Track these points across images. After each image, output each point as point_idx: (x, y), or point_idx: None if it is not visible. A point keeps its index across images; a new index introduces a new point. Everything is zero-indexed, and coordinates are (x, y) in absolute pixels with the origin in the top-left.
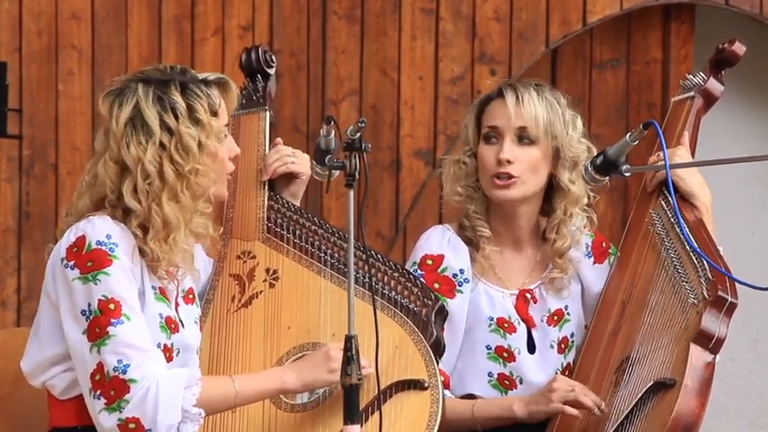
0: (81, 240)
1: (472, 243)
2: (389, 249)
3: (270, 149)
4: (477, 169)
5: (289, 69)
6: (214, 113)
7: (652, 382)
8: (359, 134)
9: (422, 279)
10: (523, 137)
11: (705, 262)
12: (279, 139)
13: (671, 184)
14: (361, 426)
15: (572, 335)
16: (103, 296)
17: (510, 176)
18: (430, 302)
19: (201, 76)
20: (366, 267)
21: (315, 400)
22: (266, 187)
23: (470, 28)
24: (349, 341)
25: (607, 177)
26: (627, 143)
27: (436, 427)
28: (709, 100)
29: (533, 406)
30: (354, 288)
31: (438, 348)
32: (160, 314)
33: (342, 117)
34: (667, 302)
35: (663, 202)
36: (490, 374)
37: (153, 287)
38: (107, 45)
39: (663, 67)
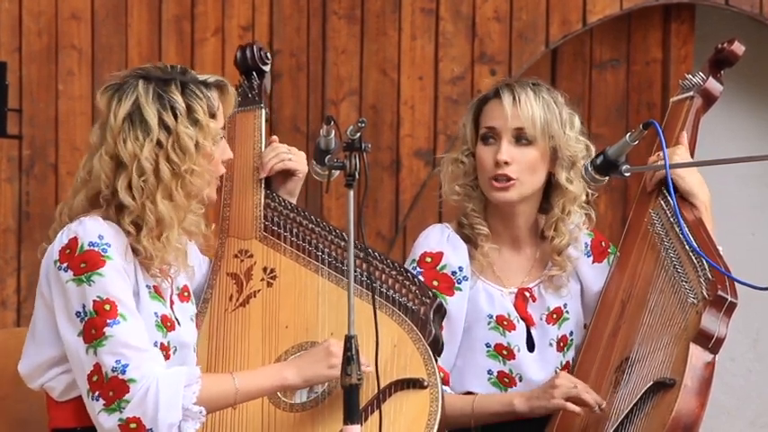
0: (73, 242)
1: (471, 241)
2: (389, 249)
3: (266, 147)
4: (475, 168)
5: (289, 69)
6: (212, 115)
7: (652, 382)
8: (359, 134)
9: (420, 277)
10: (521, 137)
11: (705, 262)
12: (275, 137)
13: (670, 184)
14: (361, 425)
15: (571, 333)
16: (98, 297)
17: (508, 178)
18: (428, 301)
19: (201, 77)
20: (364, 266)
21: (314, 399)
22: (263, 185)
23: (470, 28)
24: (349, 341)
25: (607, 177)
26: (627, 143)
27: (436, 426)
28: (709, 100)
29: (535, 401)
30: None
31: (437, 347)
32: (155, 313)
33: (342, 117)
34: (667, 302)
35: (662, 202)
36: (490, 372)
37: (147, 286)
38: (107, 45)
39: (663, 67)
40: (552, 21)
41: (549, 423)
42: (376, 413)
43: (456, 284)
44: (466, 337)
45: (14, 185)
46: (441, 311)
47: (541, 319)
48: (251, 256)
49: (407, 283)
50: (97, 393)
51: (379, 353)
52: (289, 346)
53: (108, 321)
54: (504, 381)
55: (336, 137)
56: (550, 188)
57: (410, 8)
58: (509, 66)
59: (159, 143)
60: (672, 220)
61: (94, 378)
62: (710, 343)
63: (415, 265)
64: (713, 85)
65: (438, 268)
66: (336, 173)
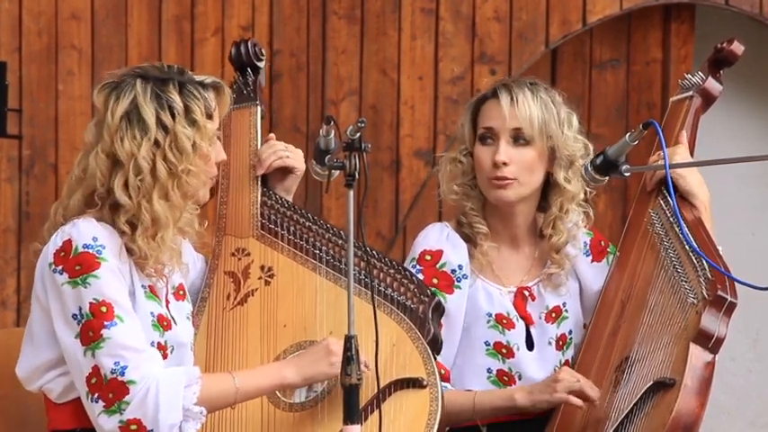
0: (67, 244)
1: (470, 240)
2: (389, 249)
3: (263, 144)
4: (473, 168)
5: (289, 69)
6: (209, 116)
7: (652, 382)
8: (359, 134)
9: (418, 275)
10: (519, 137)
11: (704, 261)
12: (272, 135)
13: (670, 184)
14: (361, 425)
15: (570, 332)
16: (94, 299)
17: (507, 179)
18: (426, 299)
19: (198, 78)
20: (362, 264)
21: (313, 399)
22: (259, 183)
23: (470, 28)
24: (349, 341)
25: (607, 177)
26: (626, 143)
27: (436, 426)
28: (708, 99)
29: (537, 395)
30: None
31: (436, 345)
32: (152, 313)
33: (342, 117)
34: (667, 302)
35: (662, 202)
36: (489, 371)
37: (143, 286)
38: (107, 45)
39: (663, 67)
40: (552, 21)
41: (548, 422)
42: (376, 413)
43: (455, 283)
44: (465, 336)
45: (14, 185)
46: (439, 310)
47: (540, 317)
48: (248, 254)
49: (406, 281)
50: (96, 395)
51: (378, 352)
52: (287, 344)
53: (105, 323)
54: (504, 379)
55: (336, 137)
56: (549, 187)
57: (410, 8)
58: (509, 66)
59: (157, 143)
60: (671, 219)
61: (93, 380)
62: (710, 343)
63: (414, 263)
64: (712, 84)
65: (438, 266)
66: (336, 173)
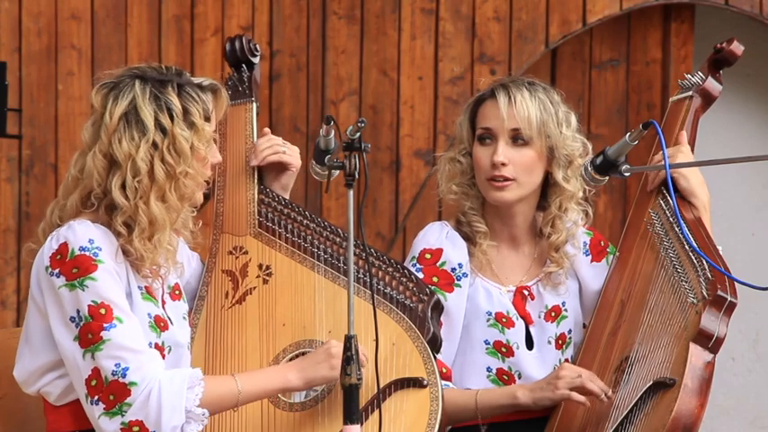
0: (63, 247)
1: (469, 239)
2: (389, 249)
3: (258, 139)
4: (471, 167)
5: (288, 69)
6: (207, 119)
7: (652, 382)
8: (358, 134)
9: (418, 274)
10: (517, 138)
11: (705, 261)
12: (266, 129)
13: (670, 184)
14: (361, 425)
15: (570, 331)
16: (93, 301)
17: (506, 179)
18: (426, 298)
19: (196, 80)
20: (360, 263)
21: (313, 398)
22: (256, 180)
23: (470, 28)
24: (348, 341)
25: (607, 177)
26: (626, 143)
27: (437, 426)
28: (708, 99)
29: (538, 393)
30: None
31: (435, 344)
32: (149, 314)
33: (341, 117)
34: (666, 302)
35: (662, 202)
36: (489, 369)
37: (139, 287)
38: (107, 45)
39: (663, 67)
40: (552, 21)
41: (549, 421)
42: (376, 413)
43: (455, 281)
44: (465, 335)
45: (14, 185)
46: (438, 308)
47: (540, 316)
48: (246, 252)
49: (405, 280)
50: (96, 398)
51: (377, 352)
52: (287, 343)
53: (104, 325)
54: (504, 378)
55: (336, 137)
56: (548, 186)
57: (410, 8)
58: (509, 66)
59: (155, 144)
60: (671, 219)
61: (93, 382)
62: (710, 343)
63: (414, 261)
64: (712, 84)
65: (438, 265)
66: (336, 173)
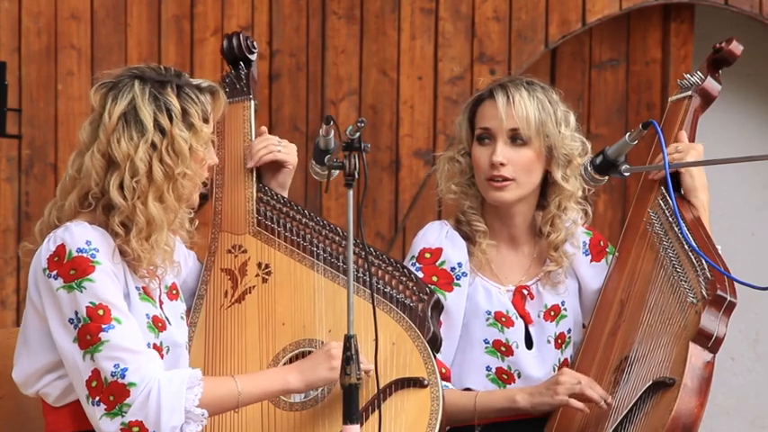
0: (61, 249)
1: (469, 238)
2: (389, 249)
3: (255, 138)
4: (471, 167)
5: (288, 69)
6: (205, 120)
7: (651, 382)
8: (358, 134)
9: (418, 273)
10: (516, 138)
11: (704, 261)
12: (263, 128)
13: (670, 184)
14: (361, 425)
15: (569, 330)
16: (91, 303)
17: (505, 179)
18: (425, 297)
19: (194, 81)
20: (360, 262)
21: (313, 398)
22: (254, 178)
23: (470, 28)
24: (348, 341)
25: (606, 177)
26: (626, 143)
27: (437, 426)
28: (707, 99)
29: (538, 398)
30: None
31: (435, 344)
32: (147, 314)
33: (341, 117)
34: (666, 302)
35: (661, 202)
36: (488, 368)
37: (137, 288)
38: (106, 45)
39: (662, 67)
40: (551, 21)
41: (548, 422)
42: (376, 413)
43: (455, 280)
44: (464, 334)
45: (14, 185)
46: (438, 307)
47: (539, 316)
48: (245, 251)
49: (404, 279)
50: (97, 399)
51: (378, 352)
52: (286, 343)
53: (103, 326)
54: (503, 377)
55: (336, 137)
56: (547, 186)
57: (409, 8)
58: (508, 66)
59: (153, 144)
60: (671, 219)
61: (93, 384)
62: (710, 342)
63: (414, 261)
64: (711, 84)
65: (437, 264)
66: (336, 173)
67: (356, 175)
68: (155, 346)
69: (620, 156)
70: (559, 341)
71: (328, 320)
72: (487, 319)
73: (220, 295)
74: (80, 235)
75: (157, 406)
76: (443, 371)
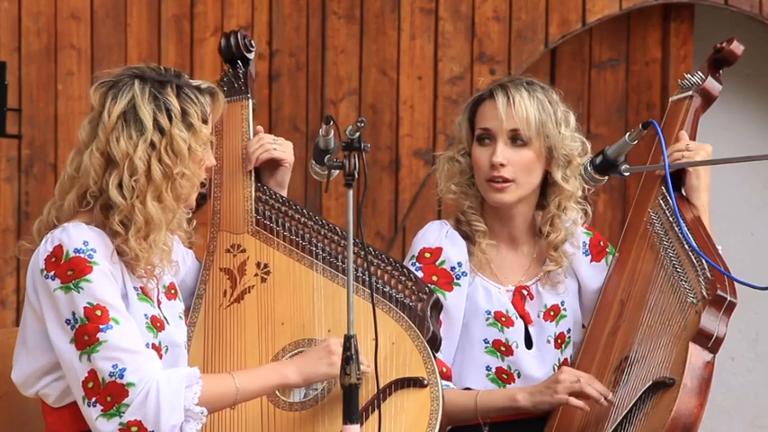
0: (58, 250)
1: (469, 238)
2: (389, 249)
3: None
4: (470, 167)
5: (288, 69)
6: (204, 121)
7: (651, 382)
8: (358, 134)
9: (418, 273)
10: (516, 138)
11: (704, 261)
12: (260, 127)
13: (670, 183)
14: (361, 425)
15: (569, 330)
16: (88, 303)
17: (505, 180)
18: (425, 296)
19: (194, 83)
20: (360, 262)
21: (313, 398)
22: (253, 178)
23: (470, 28)
24: (348, 341)
25: (606, 177)
26: (626, 143)
27: (438, 425)
28: (708, 99)
29: (538, 397)
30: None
31: (435, 343)
32: (145, 314)
33: (341, 117)
34: (666, 302)
35: (662, 202)
36: (488, 368)
37: (135, 288)
38: (106, 45)
39: (662, 67)
40: (551, 20)
41: (548, 422)
42: (376, 412)
43: (455, 280)
44: (464, 334)
45: (14, 185)
46: (438, 307)
47: (539, 316)
48: (243, 250)
49: (404, 279)
50: (94, 399)
51: (377, 351)
52: (286, 342)
53: (101, 327)
54: (503, 377)
55: (336, 137)
56: (547, 186)
57: (409, 8)
58: (508, 65)
59: (152, 144)
60: (671, 219)
61: (90, 384)
62: (710, 342)
63: (414, 260)
64: (712, 84)
65: (437, 263)
66: (336, 173)
67: (356, 175)
68: (153, 346)
69: (619, 156)
70: (559, 341)
71: (327, 320)
72: (487, 319)
73: (219, 295)
74: (77, 235)
75: (156, 405)
76: (444, 370)
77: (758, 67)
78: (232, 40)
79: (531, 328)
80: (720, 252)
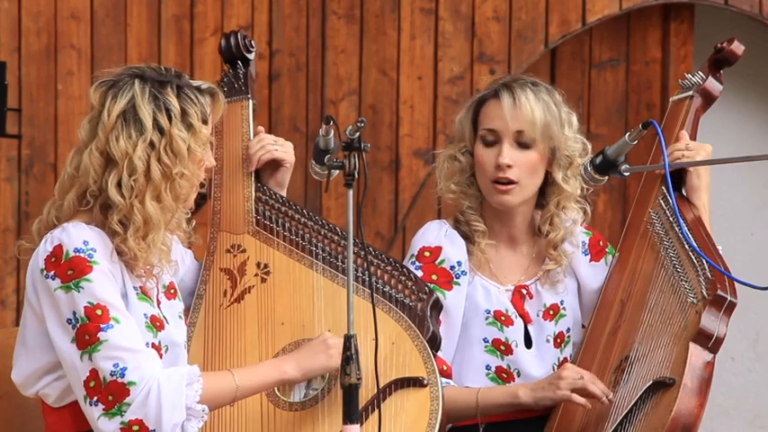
0: (58, 249)
1: (468, 238)
2: (389, 249)
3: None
4: (471, 166)
5: (288, 69)
6: (204, 121)
7: (651, 382)
8: (358, 134)
9: (417, 272)
10: (521, 139)
11: (704, 261)
12: (260, 128)
13: (670, 183)
14: (361, 425)
15: (568, 330)
16: (89, 303)
17: (510, 181)
18: (425, 296)
19: (194, 83)
20: (359, 261)
21: (313, 398)
22: (253, 178)
23: (470, 28)
24: (348, 341)
25: (606, 177)
26: (626, 143)
27: (438, 425)
28: (708, 99)
29: (540, 393)
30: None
31: (435, 343)
32: (145, 314)
33: (341, 117)
34: (666, 302)
35: (662, 201)
36: (488, 367)
37: (134, 288)
38: (106, 45)
39: (662, 67)
40: (551, 20)
41: (548, 421)
42: (376, 412)
43: (454, 279)
44: (464, 333)
45: (14, 185)
46: (437, 307)
47: (538, 315)
48: (243, 251)
49: (403, 278)
50: (95, 399)
51: (377, 351)
52: (285, 343)
53: (101, 326)
54: (503, 376)
55: (336, 137)
56: (546, 185)
57: (409, 8)
58: (508, 65)
59: (152, 144)
60: (671, 219)
61: (91, 384)
62: (710, 342)
63: (413, 259)
64: (713, 84)
65: (437, 263)
66: (336, 173)
67: (356, 175)
68: (153, 346)
69: (619, 156)
70: (558, 340)
71: (327, 320)
72: (487, 318)
73: (219, 295)
74: (77, 235)
75: (158, 404)
76: (444, 368)
77: (758, 67)
78: (232, 41)
79: (530, 328)
80: (720, 252)
